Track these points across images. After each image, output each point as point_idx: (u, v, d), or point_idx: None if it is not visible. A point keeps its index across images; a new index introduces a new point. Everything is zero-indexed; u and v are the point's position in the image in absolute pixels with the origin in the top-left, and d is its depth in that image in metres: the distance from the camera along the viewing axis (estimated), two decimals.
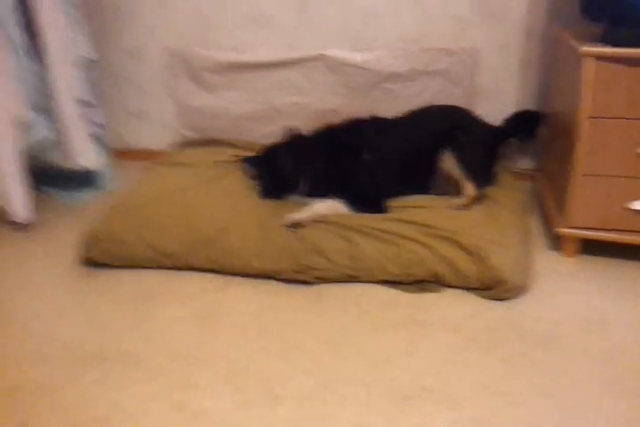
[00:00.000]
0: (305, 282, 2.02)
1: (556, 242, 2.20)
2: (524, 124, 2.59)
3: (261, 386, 1.59)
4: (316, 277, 2.02)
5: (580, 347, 1.72)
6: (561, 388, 1.57)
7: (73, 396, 1.56)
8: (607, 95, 1.93)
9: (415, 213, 2.21)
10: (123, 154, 3.05)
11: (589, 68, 1.92)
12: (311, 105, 2.84)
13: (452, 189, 2.33)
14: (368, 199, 2.27)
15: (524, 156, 2.76)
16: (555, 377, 1.60)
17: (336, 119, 2.52)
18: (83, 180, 2.70)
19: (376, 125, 2.44)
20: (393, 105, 2.68)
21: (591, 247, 2.15)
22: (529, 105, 2.73)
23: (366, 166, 2.33)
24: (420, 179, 2.38)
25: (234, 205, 2.25)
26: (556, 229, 2.13)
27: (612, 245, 2.10)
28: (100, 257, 2.12)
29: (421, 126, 2.44)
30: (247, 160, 2.50)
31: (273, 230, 2.10)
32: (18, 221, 2.32)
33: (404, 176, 2.36)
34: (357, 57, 2.74)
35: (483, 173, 2.37)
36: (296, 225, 2.13)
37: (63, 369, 1.66)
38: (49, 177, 2.71)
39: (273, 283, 2.04)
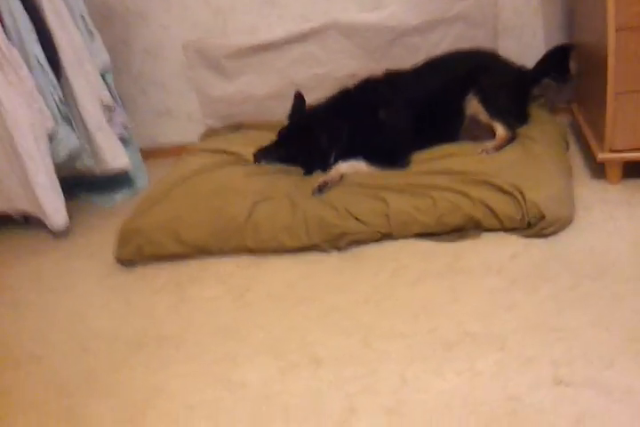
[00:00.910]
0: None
1: (600, 171, 2.06)
2: (555, 64, 2.43)
3: (301, 351, 1.56)
4: (351, 241, 1.96)
5: (632, 273, 1.59)
6: (615, 317, 1.45)
7: (115, 381, 1.58)
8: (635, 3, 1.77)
9: (447, 162, 2.12)
10: (155, 153, 3.07)
11: None
12: (331, 73, 2.78)
13: (485, 133, 2.22)
14: (388, 156, 2.20)
15: (560, 91, 2.60)
16: (607, 307, 1.49)
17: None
18: (118, 182, 2.74)
19: (390, 80, 2.35)
20: (416, 58, 2.55)
21: (636, 170, 2.00)
22: (557, 36, 2.57)
23: (384, 125, 2.25)
24: (447, 127, 2.27)
25: (257, 185, 2.21)
26: (597, 156, 1.99)
27: None
28: (134, 256, 2.10)
29: (439, 73, 2.34)
30: (263, 151, 2.41)
31: (301, 204, 2.05)
32: (54, 229, 2.36)
33: (428, 126, 2.26)
34: (370, 17, 2.65)
35: (512, 113, 2.24)
36: (322, 188, 2.09)
37: (106, 357, 1.68)
38: (86, 183, 2.76)
39: (307, 252, 1.98)
